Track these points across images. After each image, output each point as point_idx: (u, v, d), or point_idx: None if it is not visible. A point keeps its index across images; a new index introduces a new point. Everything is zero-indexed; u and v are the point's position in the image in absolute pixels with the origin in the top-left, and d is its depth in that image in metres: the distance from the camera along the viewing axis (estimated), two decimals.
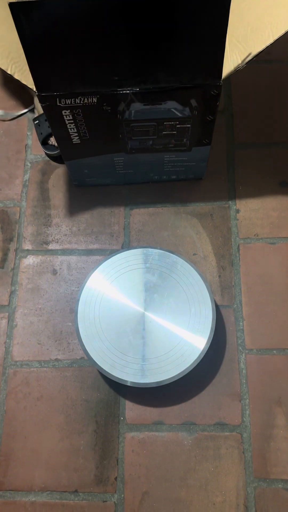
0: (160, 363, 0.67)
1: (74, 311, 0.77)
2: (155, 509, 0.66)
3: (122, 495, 0.67)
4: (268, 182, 0.85)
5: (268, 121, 0.90)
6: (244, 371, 0.73)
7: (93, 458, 0.69)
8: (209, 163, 0.81)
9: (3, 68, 0.64)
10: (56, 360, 0.75)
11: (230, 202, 0.84)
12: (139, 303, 0.71)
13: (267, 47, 0.63)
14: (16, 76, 0.65)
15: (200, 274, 0.73)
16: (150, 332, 0.69)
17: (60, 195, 0.86)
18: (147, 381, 0.66)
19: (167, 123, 0.67)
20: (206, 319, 0.70)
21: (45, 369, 0.74)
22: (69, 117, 0.65)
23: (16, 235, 0.83)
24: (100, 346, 0.69)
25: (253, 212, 0.83)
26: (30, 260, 0.82)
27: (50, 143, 0.87)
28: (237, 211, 0.83)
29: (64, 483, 0.68)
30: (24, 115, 0.94)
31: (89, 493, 0.68)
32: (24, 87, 0.67)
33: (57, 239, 0.83)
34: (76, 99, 0.61)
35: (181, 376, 0.67)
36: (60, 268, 0.81)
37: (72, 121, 0.66)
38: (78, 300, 0.72)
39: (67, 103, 0.62)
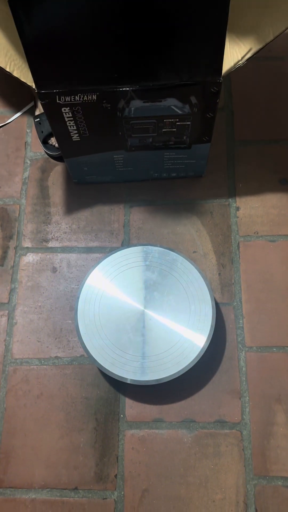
0: (160, 361, 0.67)
1: (74, 309, 0.77)
2: (155, 506, 0.66)
3: (122, 493, 0.67)
4: (268, 180, 0.85)
5: (269, 119, 0.90)
6: (244, 368, 0.73)
7: (93, 455, 0.69)
8: (209, 160, 0.81)
9: (2, 65, 0.63)
10: (56, 357, 0.75)
11: (230, 199, 0.84)
12: (139, 301, 0.71)
13: (268, 44, 0.63)
14: (15, 74, 0.65)
15: (200, 272, 0.73)
16: (150, 329, 0.69)
17: (59, 192, 0.86)
18: (147, 379, 0.66)
19: (167, 120, 0.67)
20: (206, 317, 0.70)
21: (45, 366, 0.74)
22: (69, 114, 0.64)
23: (16, 233, 0.83)
24: (100, 343, 0.69)
25: (253, 210, 0.83)
26: (30, 257, 0.81)
27: (51, 143, 0.87)
28: (237, 208, 0.83)
29: (64, 480, 0.68)
30: (23, 113, 0.94)
31: (89, 491, 0.68)
32: (23, 84, 0.66)
33: (56, 236, 0.83)
34: (76, 97, 0.61)
35: (181, 373, 0.67)
36: (60, 266, 0.81)
37: (72, 118, 0.65)
38: (78, 297, 0.72)
39: (66, 100, 0.61)
